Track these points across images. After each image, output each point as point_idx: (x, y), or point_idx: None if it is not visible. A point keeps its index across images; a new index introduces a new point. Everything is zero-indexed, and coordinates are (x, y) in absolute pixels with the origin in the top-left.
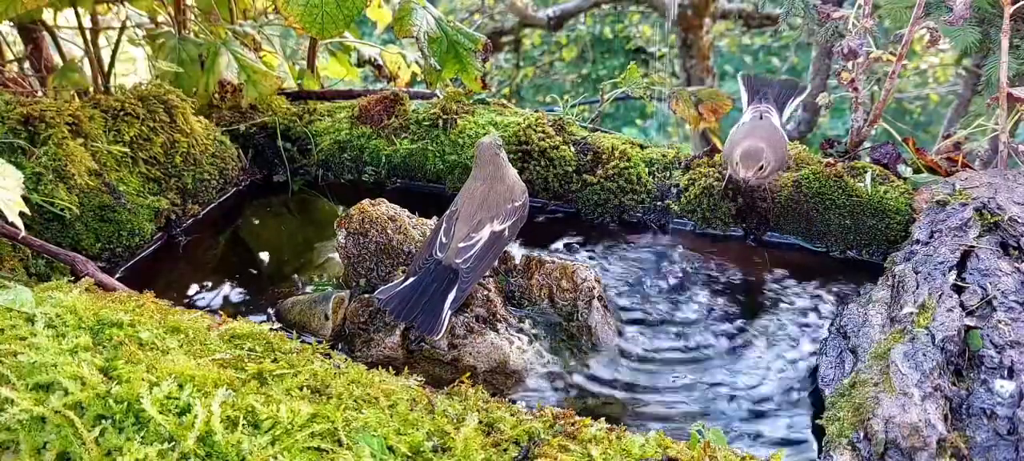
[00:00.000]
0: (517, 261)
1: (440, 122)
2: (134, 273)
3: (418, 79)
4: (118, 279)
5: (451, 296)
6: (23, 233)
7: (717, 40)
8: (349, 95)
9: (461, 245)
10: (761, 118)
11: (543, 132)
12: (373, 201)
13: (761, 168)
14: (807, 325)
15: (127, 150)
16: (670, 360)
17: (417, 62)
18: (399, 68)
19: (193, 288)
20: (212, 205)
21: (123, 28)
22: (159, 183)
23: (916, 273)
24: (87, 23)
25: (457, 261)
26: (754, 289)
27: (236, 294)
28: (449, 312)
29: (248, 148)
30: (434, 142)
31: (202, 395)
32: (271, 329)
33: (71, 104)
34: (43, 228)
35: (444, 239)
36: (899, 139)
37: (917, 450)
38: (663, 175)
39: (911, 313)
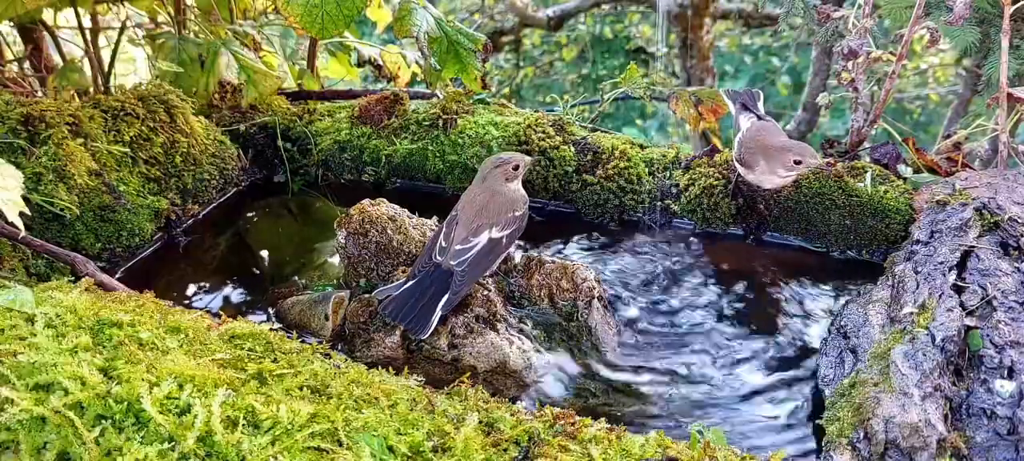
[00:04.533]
0: (517, 261)
1: (440, 122)
2: (134, 273)
3: (418, 79)
4: (118, 279)
5: (444, 298)
6: (23, 233)
7: (717, 40)
8: (349, 95)
9: (458, 247)
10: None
11: (543, 132)
12: (373, 201)
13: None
14: (807, 325)
15: (127, 150)
16: (670, 359)
17: (417, 62)
18: (399, 68)
19: (193, 288)
20: (212, 205)
21: (123, 28)
22: (159, 183)
23: (916, 273)
24: (87, 23)
25: (453, 263)
26: (754, 289)
27: (236, 294)
28: (440, 314)
29: (248, 148)
30: (434, 142)
31: (202, 395)
32: (271, 329)
33: (71, 104)
34: (43, 228)
35: (443, 243)
36: (899, 139)
37: (917, 450)
38: (663, 175)
39: (911, 313)
